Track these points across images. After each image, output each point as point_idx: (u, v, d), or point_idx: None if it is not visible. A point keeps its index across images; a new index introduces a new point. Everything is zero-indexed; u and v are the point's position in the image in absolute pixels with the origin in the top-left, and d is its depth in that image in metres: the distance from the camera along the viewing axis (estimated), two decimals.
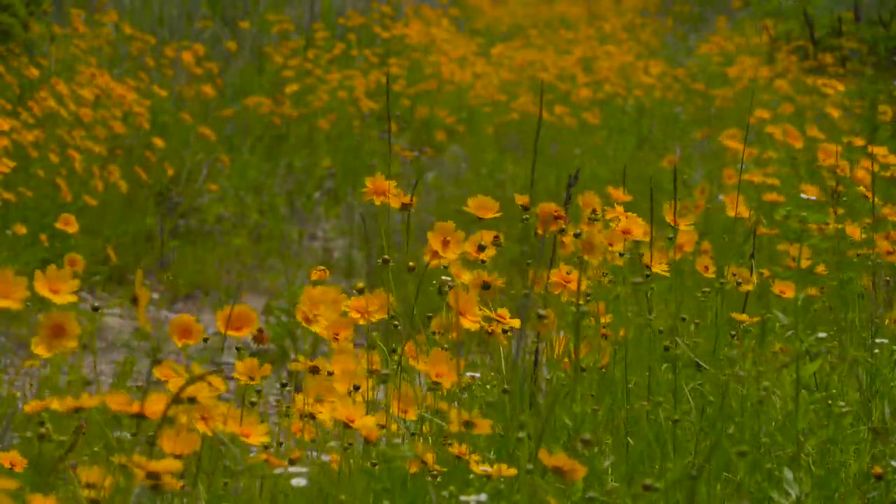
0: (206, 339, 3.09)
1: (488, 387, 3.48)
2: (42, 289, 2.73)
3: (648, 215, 3.69)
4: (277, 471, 2.91)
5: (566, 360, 3.45)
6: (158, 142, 9.39)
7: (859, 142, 5.00)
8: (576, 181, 3.67)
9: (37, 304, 2.80)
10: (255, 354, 3.23)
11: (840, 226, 4.22)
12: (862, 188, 4.32)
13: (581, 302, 3.48)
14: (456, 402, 3.23)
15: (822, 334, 3.41)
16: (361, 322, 3.35)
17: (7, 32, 9.03)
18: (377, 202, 3.51)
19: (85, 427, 2.86)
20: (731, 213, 4.19)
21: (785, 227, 3.09)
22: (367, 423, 3.04)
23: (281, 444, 3.38)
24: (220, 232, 9.50)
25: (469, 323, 3.30)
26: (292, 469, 2.89)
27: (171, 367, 2.94)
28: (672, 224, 3.83)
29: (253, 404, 3.12)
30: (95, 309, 2.99)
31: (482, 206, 3.51)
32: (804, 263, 3.14)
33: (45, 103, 8.53)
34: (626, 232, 3.71)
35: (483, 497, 2.67)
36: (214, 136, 10.20)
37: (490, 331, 3.36)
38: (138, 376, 6.10)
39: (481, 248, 3.43)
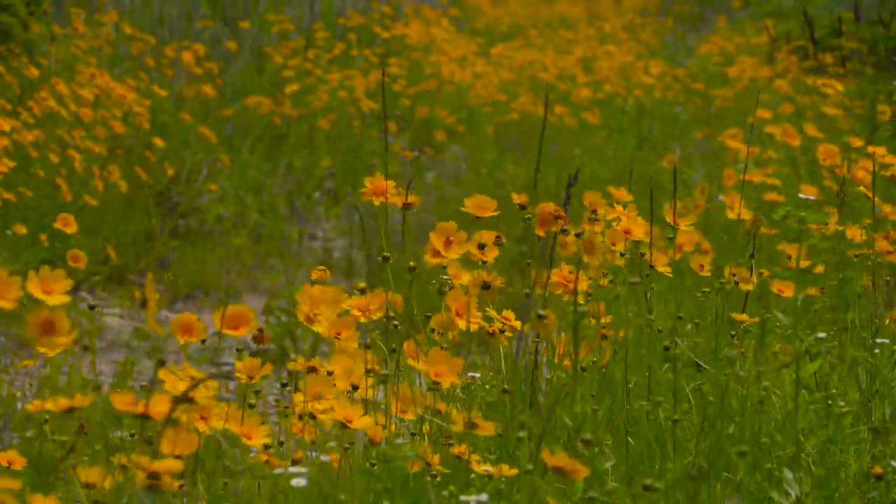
0: (204, 341, 3.08)
1: (487, 387, 3.48)
2: (35, 289, 2.73)
3: (648, 215, 3.69)
4: (277, 471, 2.91)
5: (567, 360, 3.45)
6: (158, 142, 9.39)
7: (858, 142, 5.00)
8: (575, 181, 3.67)
9: (34, 304, 2.79)
10: (255, 354, 3.23)
11: (841, 227, 4.22)
12: (863, 188, 4.32)
13: (581, 302, 3.48)
14: (456, 403, 3.23)
15: (822, 334, 3.41)
16: (363, 320, 3.35)
17: (7, 32, 9.03)
18: (376, 202, 3.51)
19: (86, 426, 2.87)
20: (731, 215, 4.19)
21: (784, 227, 3.09)
22: (364, 422, 3.04)
23: (282, 443, 3.38)
24: (220, 232, 9.50)
25: (466, 323, 3.30)
26: (292, 469, 2.89)
27: (170, 370, 2.94)
28: (672, 224, 3.83)
29: (251, 406, 3.12)
30: (92, 307, 3.00)
31: (480, 205, 3.51)
32: (803, 263, 3.14)
33: (45, 103, 8.53)
34: (627, 232, 3.71)
35: (483, 497, 2.67)
36: (214, 136, 10.20)
37: (491, 331, 3.36)
38: (138, 376, 6.10)
39: (481, 247, 3.43)
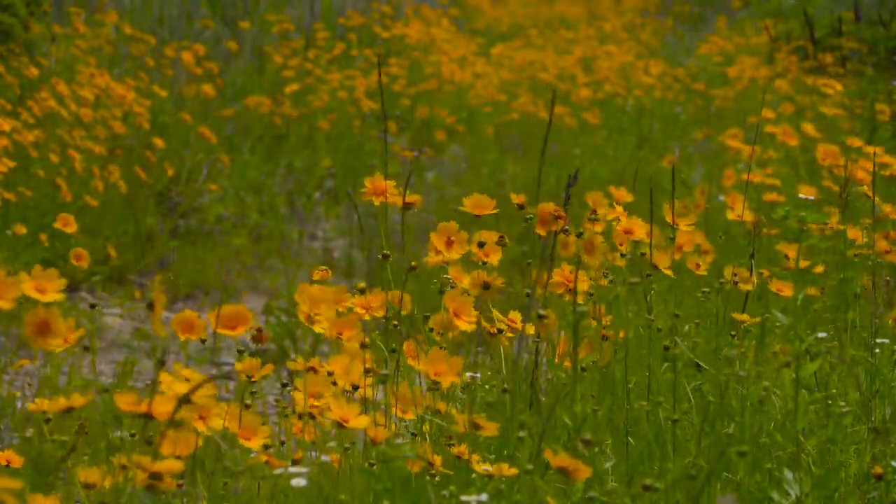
0: (203, 341, 3.08)
1: (487, 387, 3.48)
2: (28, 289, 2.74)
3: (648, 215, 3.69)
4: (277, 471, 2.91)
5: (567, 360, 3.45)
6: (158, 142, 9.39)
7: (857, 142, 5.00)
8: (575, 181, 3.67)
9: (32, 304, 2.80)
10: (254, 354, 3.23)
11: (841, 227, 4.22)
12: (864, 188, 4.32)
13: (581, 302, 3.48)
14: (455, 402, 3.23)
15: (822, 334, 3.41)
16: (366, 318, 3.35)
17: (7, 32, 9.03)
18: (376, 202, 3.50)
19: (87, 426, 2.87)
20: (732, 216, 4.19)
21: (784, 227, 3.09)
22: (361, 422, 3.03)
23: (283, 443, 3.38)
24: (220, 232, 9.50)
25: (465, 324, 3.30)
26: (292, 469, 2.89)
27: (171, 371, 2.94)
28: (672, 224, 3.83)
29: (248, 406, 3.12)
30: (92, 306, 3.00)
31: (478, 203, 3.51)
32: (803, 263, 3.14)
33: (45, 103, 8.53)
34: (628, 232, 3.71)
35: (484, 497, 2.67)
36: (214, 136, 10.20)
37: (492, 332, 3.36)
38: (138, 376, 6.10)
39: (481, 245, 3.43)
